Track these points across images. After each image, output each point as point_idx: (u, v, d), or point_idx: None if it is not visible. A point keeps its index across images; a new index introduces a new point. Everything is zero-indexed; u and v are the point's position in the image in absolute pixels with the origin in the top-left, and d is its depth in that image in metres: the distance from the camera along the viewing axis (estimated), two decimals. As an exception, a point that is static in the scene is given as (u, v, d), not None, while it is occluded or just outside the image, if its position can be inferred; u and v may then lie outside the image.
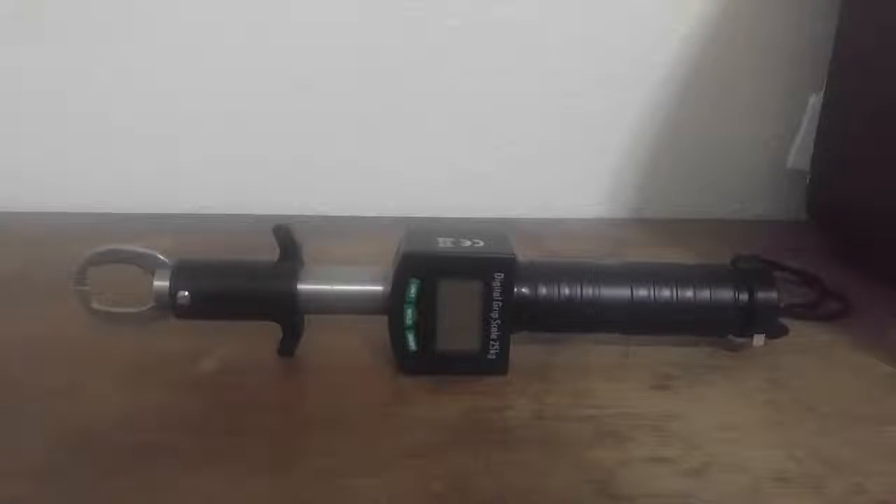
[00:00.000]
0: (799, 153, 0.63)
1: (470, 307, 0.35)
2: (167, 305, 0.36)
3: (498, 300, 0.35)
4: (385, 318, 0.36)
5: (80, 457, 0.30)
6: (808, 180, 0.58)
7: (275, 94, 0.63)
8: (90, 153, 0.64)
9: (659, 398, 0.36)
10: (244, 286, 0.36)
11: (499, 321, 0.35)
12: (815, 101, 0.60)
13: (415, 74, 0.63)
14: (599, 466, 0.30)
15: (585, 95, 0.65)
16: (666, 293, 0.37)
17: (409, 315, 0.35)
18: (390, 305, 0.35)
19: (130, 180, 0.65)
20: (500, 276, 0.35)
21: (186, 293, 0.35)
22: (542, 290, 0.36)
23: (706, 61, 0.64)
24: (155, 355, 0.38)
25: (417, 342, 0.36)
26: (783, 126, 0.66)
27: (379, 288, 0.36)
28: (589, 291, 0.37)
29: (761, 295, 0.37)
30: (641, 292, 0.37)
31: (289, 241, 0.37)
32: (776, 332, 0.39)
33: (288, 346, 0.37)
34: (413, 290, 0.35)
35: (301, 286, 0.36)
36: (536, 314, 0.37)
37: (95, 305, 0.36)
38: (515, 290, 0.35)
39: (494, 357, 0.36)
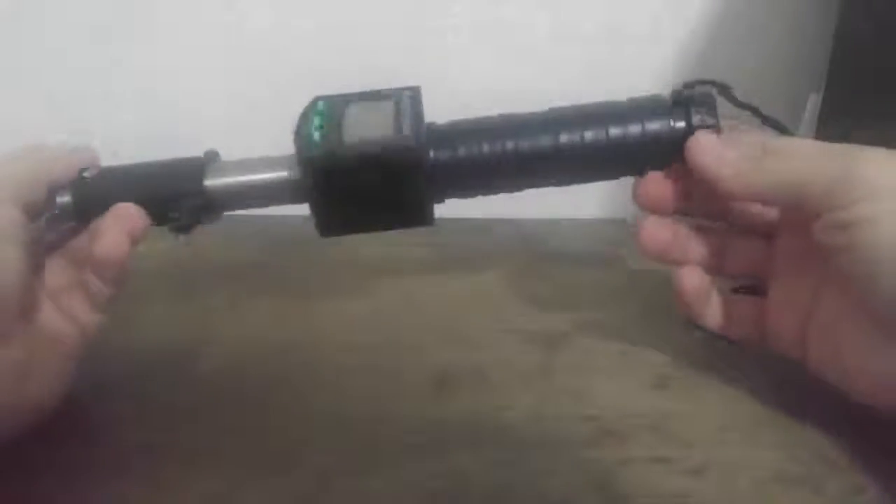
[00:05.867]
0: (799, 153, 0.63)
1: (381, 116, 0.33)
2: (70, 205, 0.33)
3: (410, 116, 0.33)
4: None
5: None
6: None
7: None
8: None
9: (659, 398, 0.36)
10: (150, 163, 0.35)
11: (412, 124, 0.32)
12: (815, 100, 0.60)
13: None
14: (599, 466, 0.30)
15: (584, 96, 0.65)
16: (592, 134, 0.34)
17: (316, 121, 0.33)
18: (297, 134, 0.32)
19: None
20: (408, 93, 0.34)
21: (91, 170, 0.34)
22: (461, 151, 0.34)
23: (706, 61, 0.64)
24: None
25: (322, 135, 0.32)
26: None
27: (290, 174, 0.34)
28: (511, 145, 0.34)
29: (697, 118, 0.34)
30: (565, 137, 0.34)
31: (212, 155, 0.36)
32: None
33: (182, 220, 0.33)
34: (321, 105, 0.33)
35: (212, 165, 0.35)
36: (458, 175, 0.34)
37: None
38: (432, 153, 0.33)
39: (414, 145, 0.32)
